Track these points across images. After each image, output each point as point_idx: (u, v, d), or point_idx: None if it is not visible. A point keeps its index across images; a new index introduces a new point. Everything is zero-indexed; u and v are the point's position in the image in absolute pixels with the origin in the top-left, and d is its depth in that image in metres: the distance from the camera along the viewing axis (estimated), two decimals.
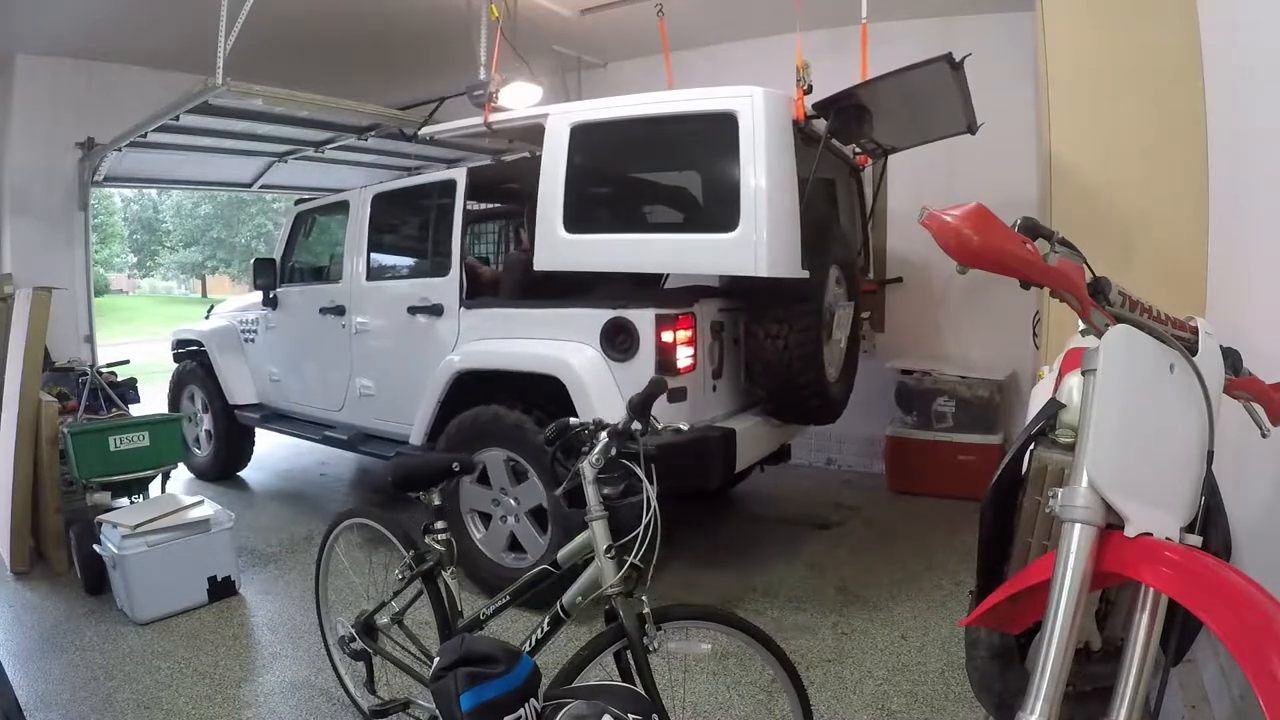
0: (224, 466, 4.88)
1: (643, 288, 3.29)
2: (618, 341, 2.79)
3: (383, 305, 3.70)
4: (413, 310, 3.47)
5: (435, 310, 3.39)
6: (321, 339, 4.01)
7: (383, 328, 3.70)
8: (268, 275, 4.33)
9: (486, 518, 3.09)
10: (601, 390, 2.76)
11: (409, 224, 4.03)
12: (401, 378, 3.57)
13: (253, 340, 4.64)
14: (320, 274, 4.46)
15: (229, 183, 5.84)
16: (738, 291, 3.08)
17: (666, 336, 2.72)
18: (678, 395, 2.77)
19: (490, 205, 4.47)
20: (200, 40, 3.74)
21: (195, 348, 4.89)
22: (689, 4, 4.68)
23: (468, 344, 3.23)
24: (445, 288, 3.37)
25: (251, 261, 4.49)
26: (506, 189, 4.14)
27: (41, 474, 3.43)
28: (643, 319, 2.75)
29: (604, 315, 2.82)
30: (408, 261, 4.06)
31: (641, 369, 2.73)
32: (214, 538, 3.08)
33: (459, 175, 3.39)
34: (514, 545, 3.03)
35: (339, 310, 3.88)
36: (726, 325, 3.08)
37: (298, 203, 4.46)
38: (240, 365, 4.67)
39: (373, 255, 3.86)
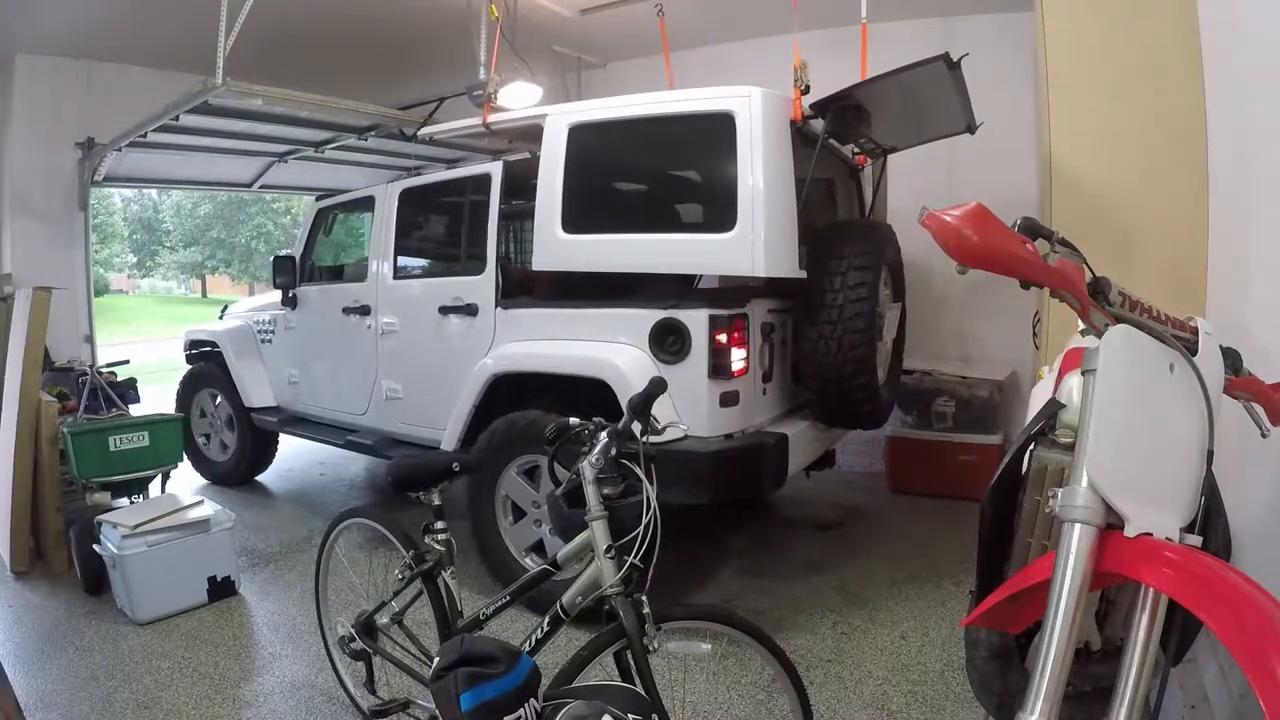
0: (247, 471, 4.80)
1: (686, 287, 3.14)
2: (668, 343, 2.70)
3: (411, 305, 3.60)
4: (444, 310, 3.39)
5: (469, 310, 3.30)
6: (345, 340, 3.92)
7: (411, 328, 3.59)
8: (287, 273, 4.22)
9: (521, 512, 3.00)
10: None
11: (440, 220, 3.92)
12: (432, 380, 3.48)
13: (270, 341, 4.54)
14: (343, 272, 4.38)
15: (229, 183, 5.83)
16: (785, 292, 3.00)
17: (721, 338, 2.64)
18: (730, 399, 2.70)
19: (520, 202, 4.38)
20: (200, 40, 3.74)
21: (209, 349, 4.81)
22: (689, 4, 4.68)
23: (504, 345, 3.14)
24: (480, 286, 3.27)
25: (270, 259, 4.42)
26: None
27: (41, 474, 3.43)
28: (695, 320, 2.66)
29: (654, 316, 2.73)
30: (439, 259, 3.94)
31: (693, 372, 2.65)
32: (214, 538, 3.08)
33: (494, 169, 3.29)
34: (538, 549, 2.94)
35: (364, 310, 3.79)
36: (775, 326, 3.02)
37: (319, 198, 4.40)
38: (257, 367, 4.57)
39: (400, 253, 3.76)
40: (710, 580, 3.25)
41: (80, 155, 5.36)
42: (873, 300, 2.85)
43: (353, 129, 4.25)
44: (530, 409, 2.93)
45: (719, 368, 2.65)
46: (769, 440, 2.78)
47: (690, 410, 2.65)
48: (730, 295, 2.77)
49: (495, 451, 2.95)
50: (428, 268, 3.94)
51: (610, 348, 2.80)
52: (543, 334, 3.06)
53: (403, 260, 3.78)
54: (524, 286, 3.41)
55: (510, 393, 3.05)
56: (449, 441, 3.24)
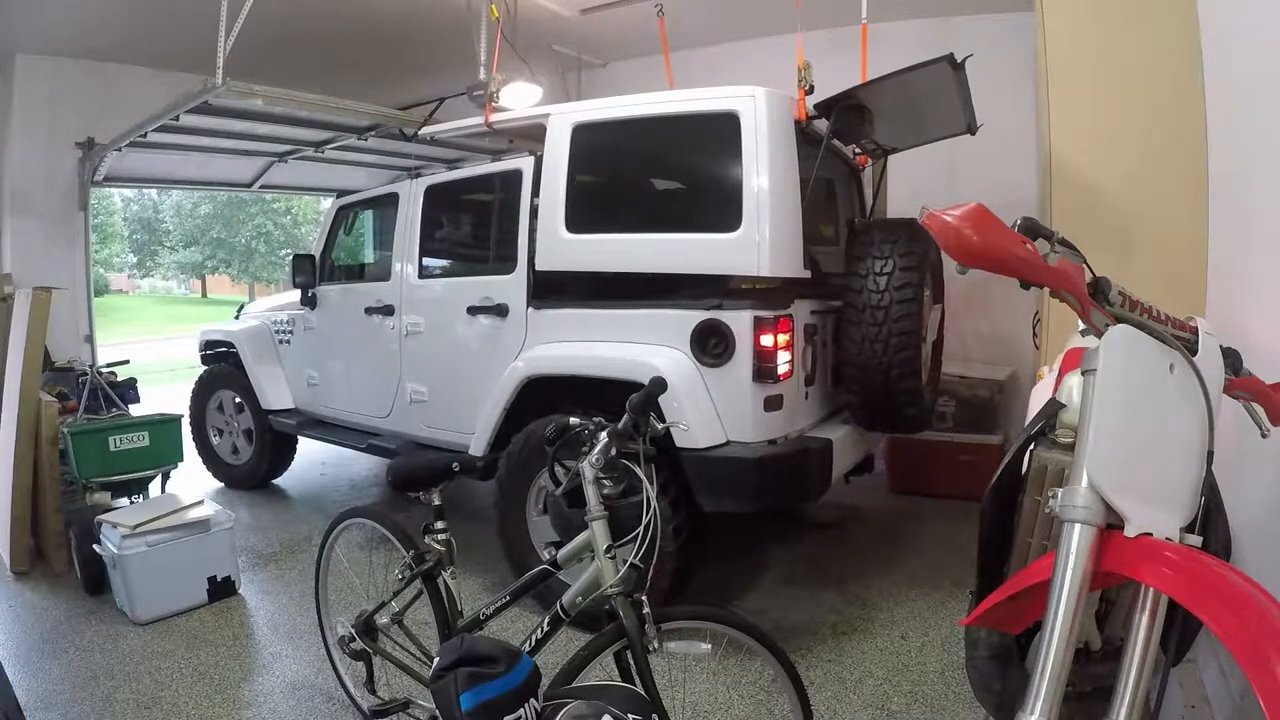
0: (266, 475, 4.74)
1: (725, 286, 2.97)
2: (710, 345, 2.63)
3: (438, 305, 3.52)
4: (473, 310, 3.30)
5: (499, 310, 3.20)
6: (367, 341, 3.84)
7: (438, 329, 3.50)
8: (307, 273, 4.14)
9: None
10: (693, 397, 2.60)
11: (468, 218, 3.84)
12: (459, 383, 3.41)
13: (288, 342, 4.48)
14: (364, 272, 4.30)
15: (229, 183, 5.82)
16: (827, 292, 2.96)
17: (765, 340, 2.57)
18: (774, 404, 2.63)
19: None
20: (200, 40, 3.74)
21: (225, 349, 4.75)
22: (689, 4, 4.68)
23: (537, 347, 3.06)
24: (510, 286, 3.16)
25: (272, 257, 4.41)
26: None
27: (41, 474, 3.43)
28: (739, 321, 2.59)
29: (696, 317, 2.65)
30: (466, 258, 3.86)
31: (737, 375, 2.59)
32: (214, 538, 3.08)
33: (525, 165, 3.17)
34: (559, 545, 2.89)
35: (387, 310, 3.72)
36: (818, 328, 2.97)
37: (339, 195, 4.35)
38: (274, 368, 4.50)
39: (426, 251, 3.66)
40: (709, 580, 3.25)
41: (80, 155, 5.36)
42: (918, 301, 2.79)
43: (353, 129, 4.24)
44: (562, 413, 2.87)
45: (763, 371, 2.58)
46: (814, 445, 2.73)
47: (733, 414, 2.61)
48: (774, 295, 2.69)
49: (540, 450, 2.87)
50: (455, 267, 3.85)
51: (649, 350, 2.72)
52: (577, 335, 2.98)
53: (428, 259, 3.69)
54: (556, 286, 3.24)
55: (542, 396, 2.98)
56: (478, 446, 3.17)
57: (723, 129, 2.67)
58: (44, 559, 3.46)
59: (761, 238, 2.60)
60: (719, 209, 2.70)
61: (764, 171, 2.60)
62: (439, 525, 1.88)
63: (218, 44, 3.35)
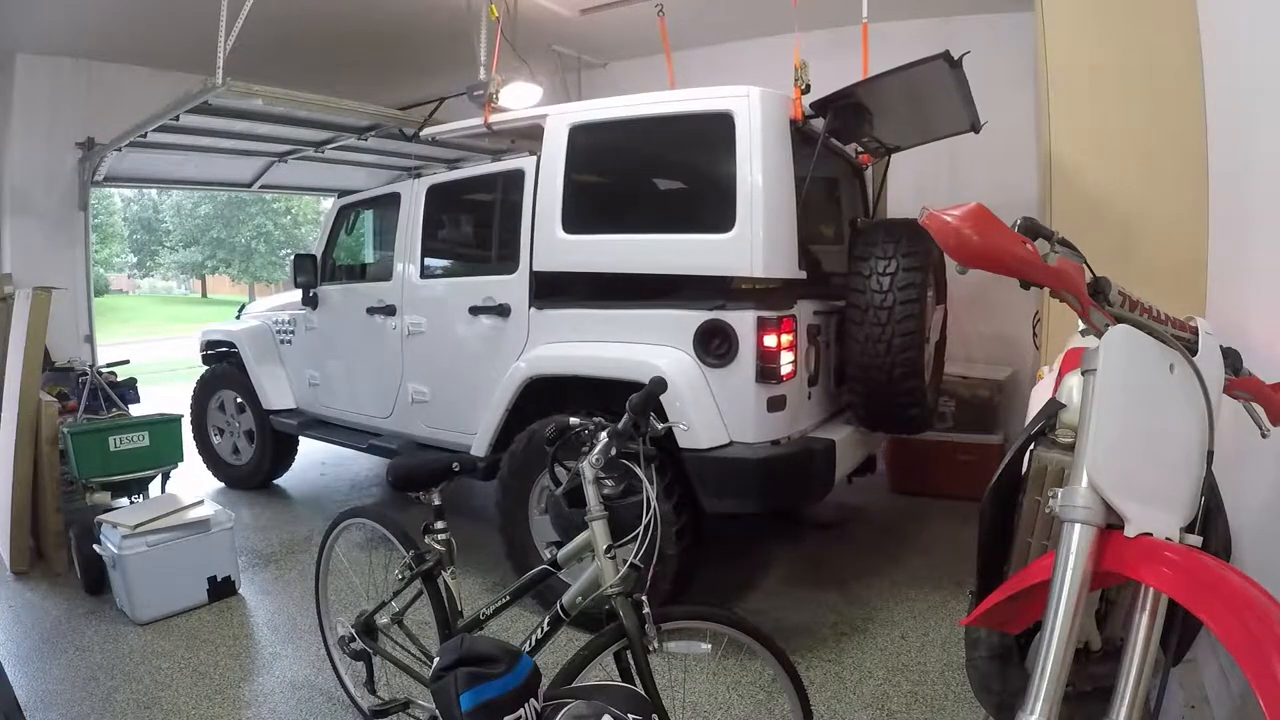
0: (267, 475, 4.74)
1: (728, 287, 2.92)
2: (713, 346, 2.63)
3: (440, 305, 3.51)
4: (475, 310, 3.29)
5: (501, 310, 3.19)
6: (368, 341, 3.83)
7: (440, 329, 3.50)
8: (308, 273, 4.14)
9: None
10: (695, 398, 2.61)
11: (470, 218, 3.83)
12: (461, 383, 3.41)
13: (289, 342, 4.48)
14: (366, 272, 4.31)
15: (229, 183, 5.83)
16: (830, 293, 2.96)
17: (769, 341, 2.57)
18: (777, 404, 2.63)
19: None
20: (200, 40, 3.74)
21: (226, 349, 4.75)
22: (689, 4, 4.68)
23: (539, 347, 3.05)
24: (513, 286, 3.15)
25: (272, 258, 4.40)
26: None
27: (41, 474, 3.43)
28: (742, 321, 2.59)
29: (699, 317, 2.64)
30: (468, 258, 3.86)
31: (740, 375, 2.59)
32: (214, 538, 3.08)
33: (528, 165, 3.15)
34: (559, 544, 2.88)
35: (389, 310, 3.70)
36: (821, 328, 2.96)
37: (341, 195, 4.35)
38: (276, 368, 4.50)
39: (428, 251, 3.65)
40: (709, 579, 3.25)
41: (80, 155, 5.36)
42: (922, 301, 2.78)
43: (353, 129, 4.24)
44: (564, 413, 2.87)
45: (767, 371, 2.57)
46: (818, 446, 2.73)
47: (737, 415, 2.61)
48: (777, 295, 2.67)
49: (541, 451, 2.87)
50: (457, 267, 3.84)
51: (652, 350, 2.72)
52: (579, 335, 2.96)
53: (430, 259, 3.68)
54: (558, 286, 3.21)
55: (544, 396, 2.98)
56: (480, 446, 3.16)
57: (717, 129, 2.66)
58: (44, 559, 3.46)
59: (755, 238, 2.59)
60: (714, 209, 2.69)
61: (758, 171, 2.60)
62: (439, 525, 1.88)
63: (218, 44, 3.35)
